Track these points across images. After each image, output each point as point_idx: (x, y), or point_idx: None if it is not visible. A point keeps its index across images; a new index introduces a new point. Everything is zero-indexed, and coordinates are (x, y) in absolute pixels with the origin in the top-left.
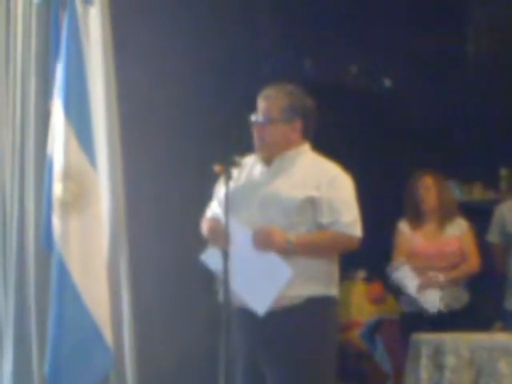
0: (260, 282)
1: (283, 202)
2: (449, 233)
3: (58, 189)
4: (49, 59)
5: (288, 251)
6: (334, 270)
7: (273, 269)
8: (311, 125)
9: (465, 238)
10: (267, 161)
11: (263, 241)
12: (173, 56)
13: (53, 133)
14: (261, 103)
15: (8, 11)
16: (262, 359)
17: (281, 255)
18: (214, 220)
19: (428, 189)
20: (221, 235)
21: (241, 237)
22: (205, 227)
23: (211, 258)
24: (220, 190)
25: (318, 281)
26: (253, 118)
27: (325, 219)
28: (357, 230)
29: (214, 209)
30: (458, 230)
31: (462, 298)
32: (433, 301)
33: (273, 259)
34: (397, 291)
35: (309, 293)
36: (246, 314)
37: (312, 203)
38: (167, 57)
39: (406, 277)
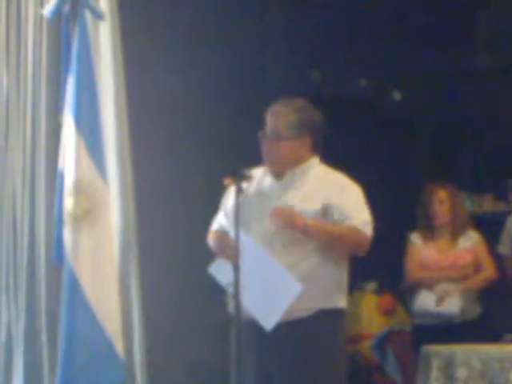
0: (269, 297)
1: None
2: (461, 245)
3: (69, 203)
4: (59, 73)
5: (304, 232)
6: (344, 282)
7: (282, 284)
8: (320, 139)
9: (478, 250)
10: (277, 174)
11: (286, 217)
12: (182, 69)
13: (64, 147)
14: (269, 119)
15: (19, 26)
16: (272, 371)
17: (297, 235)
18: (221, 233)
19: (442, 203)
20: (230, 248)
21: (250, 251)
22: (211, 240)
23: (219, 270)
24: (227, 202)
25: (327, 293)
26: (261, 133)
27: (336, 217)
28: (368, 229)
29: (221, 221)
30: (470, 242)
31: (475, 309)
32: (453, 304)
33: (282, 274)
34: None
35: (318, 305)
36: (256, 326)
37: (324, 212)
38: (177, 70)
39: (424, 298)
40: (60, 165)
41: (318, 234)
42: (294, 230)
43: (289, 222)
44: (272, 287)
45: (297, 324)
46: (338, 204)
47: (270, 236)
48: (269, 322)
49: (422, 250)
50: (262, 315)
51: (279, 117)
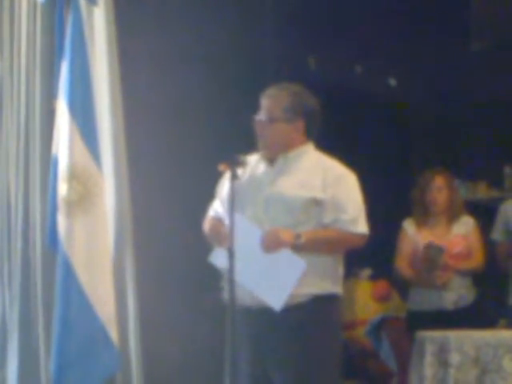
0: (274, 278)
1: (288, 201)
2: (455, 232)
3: (62, 188)
4: (53, 59)
5: (297, 247)
6: (339, 267)
7: (285, 263)
8: (315, 125)
9: (471, 236)
10: (270, 160)
11: (272, 242)
12: (177, 56)
13: (58, 132)
14: (263, 102)
15: (12, 11)
16: (267, 357)
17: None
18: (216, 220)
19: (440, 189)
20: (224, 235)
21: (248, 234)
22: (206, 227)
23: (219, 258)
24: (222, 189)
25: (323, 279)
26: (256, 116)
27: (327, 218)
28: (359, 227)
29: (216, 208)
30: (465, 227)
31: (469, 296)
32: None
33: (284, 254)
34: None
35: (314, 291)
36: (251, 312)
37: (317, 203)
38: (171, 57)
39: None
40: (54, 150)
41: (310, 245)
42: (285, 245)
43: (277, 242)
44: (276, 268)
45: (292, 310)
46: (332, 197)
47: (263, 222)
48: (277, 302)
49: (414, 239)
50: (270, 297)
51: (273, 100)
